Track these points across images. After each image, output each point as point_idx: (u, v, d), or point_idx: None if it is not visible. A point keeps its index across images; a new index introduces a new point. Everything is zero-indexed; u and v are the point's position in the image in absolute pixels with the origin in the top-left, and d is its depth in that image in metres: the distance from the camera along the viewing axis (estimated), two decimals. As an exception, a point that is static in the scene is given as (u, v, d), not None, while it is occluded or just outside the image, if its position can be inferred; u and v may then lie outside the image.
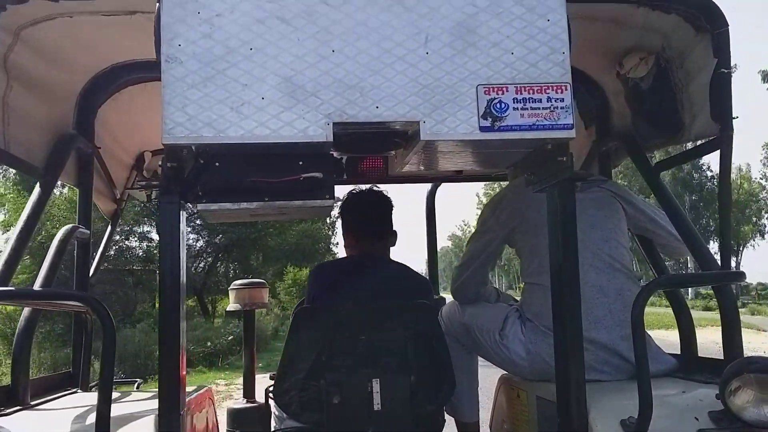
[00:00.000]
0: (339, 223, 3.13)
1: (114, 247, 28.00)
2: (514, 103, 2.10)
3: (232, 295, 4.74)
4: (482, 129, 2.07)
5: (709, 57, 2.37)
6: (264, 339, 24.06)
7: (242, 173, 2.05)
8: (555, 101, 2.11)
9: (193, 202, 2.03)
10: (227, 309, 4.83)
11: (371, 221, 2.90)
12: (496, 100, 2.09)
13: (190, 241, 31.40)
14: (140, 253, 30.12)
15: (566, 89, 2.12)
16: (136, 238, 28.58)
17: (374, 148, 2.23)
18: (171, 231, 2.00)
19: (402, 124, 2.07)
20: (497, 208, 2.94)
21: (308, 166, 2.10)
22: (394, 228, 2.91)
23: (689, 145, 2.78)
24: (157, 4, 1.99)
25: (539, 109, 2.11)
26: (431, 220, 4.62)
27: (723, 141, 2.35)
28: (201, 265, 31.84)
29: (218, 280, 32.40)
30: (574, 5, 2.32)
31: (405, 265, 2.88)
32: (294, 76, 2.01)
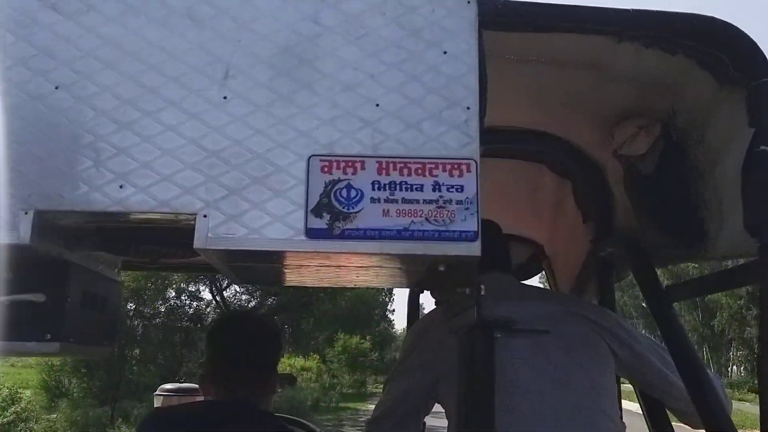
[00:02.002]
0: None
1: (165, 305, 27.72)
2: (373, 189, 1.18)
3: (157, 402, 3.85)
4: (310, 234, 1.16)
5: (741, 125, 1.40)
6: (303, 412, 22.95)
7: None
8: (447, 190, 1.19)
9: None
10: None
11: (241, 356, 1.97)
12: (341, 184, 1.18)
13: (243, 303, 30.89)
14: (190, 312, 29.77)
15: (469, 170, 1.20)
16: (187, 296, 28.29)
17: (127, 249, 1.35)
18: None
19: (164, 218, 1.17)
20: (421, 339, 1.95)
21: (21, 282, 1.22)
22: (274, 371, 1.96)
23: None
24: None
25: (418, 202, 1.18)
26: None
27: (764, 267, 1.34)
28: (251, 327, 31.26)
29: (267, 344, 31.70)
30: (516, 37, 1.42)
31: (279, 424, 1.91)
32: (-28, 130, 1.15)
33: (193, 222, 1.15)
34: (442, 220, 1.17)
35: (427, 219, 1.17)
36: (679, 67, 1.50)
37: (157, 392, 3.84)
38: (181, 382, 4.01)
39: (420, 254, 1.17)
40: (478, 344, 1.25)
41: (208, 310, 31.19)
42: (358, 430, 20.49)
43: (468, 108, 1.22)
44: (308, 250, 1.15)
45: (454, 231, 1.17)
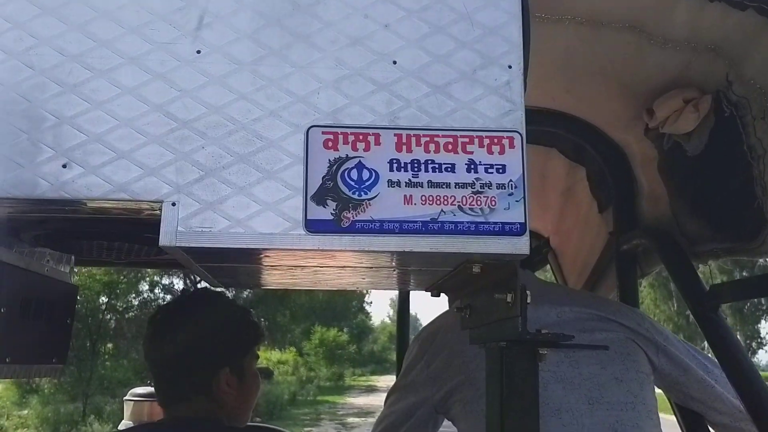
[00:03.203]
0: None
1: (138, 298, 27.23)
2: (391, 170, 0.92)
3: (127, 408, 3.55)
4: (311, 227, 0.89)
5: None
6: (280, 405, 22.68)
7: None
8: (486, 171, 0.93)
9: None
10: (119, 427, 3.61)
11: (163, 359, 1.62)
12: (349, 163, 0.92)
13: (217, 295, 30.38)
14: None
15: (513, 145, 0.94)
16: (161, 290, 27.83)
17: (77, 246, 1.07)
18: None
19: (121, 207, 0.91)
20: (428, 349, 1.70)
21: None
22: (225, 370, 1.55)
23: None
24: None
25: (449, 186, 0.93)
26: (403, 332, 3.35)
27: None
28: (227, 319, 30.88)
29: (243, 337, 31.42)
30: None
31: None
32: None
33: (158, 212, 0.88)
34: (480, 209, 0.92)
35: (460, 208, 0.92)
36: (748, 25, 1.26)
37: (127, 397, 3.54)
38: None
39: (452, 252, 0.91)
40: (521, 364, 1.00)
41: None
42: (336, 423, 20.29)
43: (509, 67, 0.96)
44: (308, 247, 0.89)
45: (496, 223, 0.92)
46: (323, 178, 0.91)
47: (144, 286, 25.66)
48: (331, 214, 0.90)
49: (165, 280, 27.24)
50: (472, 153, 0.93)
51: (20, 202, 0.88)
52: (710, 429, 1.74)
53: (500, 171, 0.93)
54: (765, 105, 1.38)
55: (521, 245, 0.91)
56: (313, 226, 0.89)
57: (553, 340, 0.97)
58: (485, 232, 0.91)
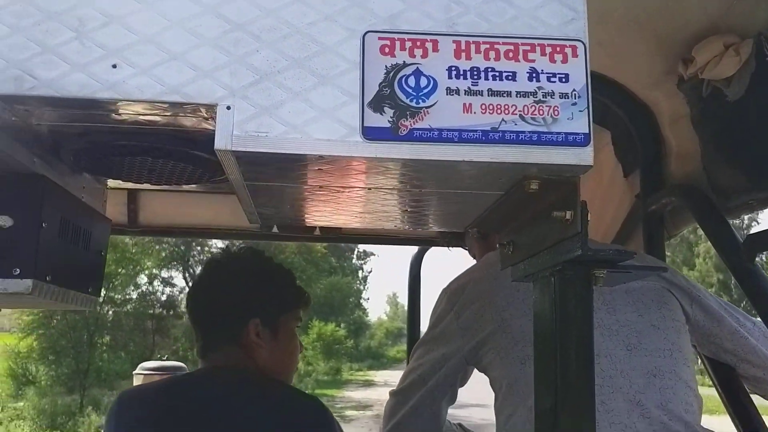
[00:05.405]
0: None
1: (137, 291, 27.08)
2: (449, 77, 0.90)
3: (137, 382, 3.53)
4: (368, 134, 0.86)
5: None
6: (277, 398, 22.57)
7: None
8: (548, 80, 0.91)
9: None
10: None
11: (199, 310, 1.64)
12: (407, 70, 0.89)
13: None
14: (163, 298, 29.13)
15: (576, 54, 0.92)
16: (160, 282, 27.67)
17: (118, 167, 1.03)
18: None
19: (173, 111, 0.88)
20: (458, 301, 1.67)
21: None
22: (259, 320, 1.57)
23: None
24: None
25: (510, 95, 0.90)
26: (415, 293, 3.37)
27: None
28: (224, 313, 30.76)
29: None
30: None
31: (286, 392, 1.60)
32: None
33: (210, 121, 0.85)
34: (542, 119, 0.89)
35: (522, 117, 0.89)
36: None
37: (137, 371, 3.53)
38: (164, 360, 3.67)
39: (513, 163, 0.88)
40: (575, 289, 0.97)
41: (181, 296, 30.63)
42: (335, 416, 20.27)
43: (573, -26, 0.93)
44: (366, 155, 0.86)
45: (559, 133, 0.89)
46: (380, 84, 0.88)
47: (143, 279, 25.54)
48: (389, 121, 0.87)
49: (164, 273, 27.12)
50: (533, 61, 0.90)
51: (67, 102, 0.85)
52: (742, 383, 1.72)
53: (563, 80, 0.90)
54: None
55: (585, 156, 0.88)
56: (370, 134, 0.86)
57: (614, 257, 0.94)
58: (548, 142, 0.88)
